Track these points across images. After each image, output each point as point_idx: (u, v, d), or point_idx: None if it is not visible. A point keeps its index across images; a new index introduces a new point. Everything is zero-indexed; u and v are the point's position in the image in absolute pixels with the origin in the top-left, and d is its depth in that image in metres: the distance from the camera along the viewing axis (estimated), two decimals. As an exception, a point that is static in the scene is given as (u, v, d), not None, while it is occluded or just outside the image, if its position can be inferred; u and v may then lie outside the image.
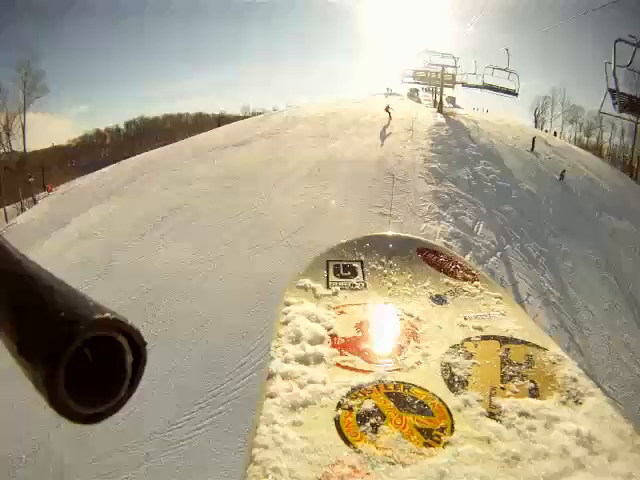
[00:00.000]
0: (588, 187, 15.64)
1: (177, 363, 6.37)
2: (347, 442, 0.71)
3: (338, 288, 1.28)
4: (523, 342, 0.99)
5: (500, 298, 1.23)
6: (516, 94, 22.66)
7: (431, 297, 1.26)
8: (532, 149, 17.75)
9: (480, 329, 1.06)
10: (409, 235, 1.58)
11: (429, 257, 1.41)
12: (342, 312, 1.16)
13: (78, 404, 0.31)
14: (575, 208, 13.53)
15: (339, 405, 0.80)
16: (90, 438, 5.36)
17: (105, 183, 16.90)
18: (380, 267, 1.38)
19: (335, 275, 1.34)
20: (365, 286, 1.32)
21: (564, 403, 0.80)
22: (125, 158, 21.83)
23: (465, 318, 1.12)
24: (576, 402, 0.80)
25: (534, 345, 0.97)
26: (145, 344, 0.33)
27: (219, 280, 8.14)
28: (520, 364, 0.91)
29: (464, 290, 1.28)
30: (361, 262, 1.40)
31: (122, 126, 42.84)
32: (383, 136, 16.35)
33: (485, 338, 1.02)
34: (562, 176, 15.08)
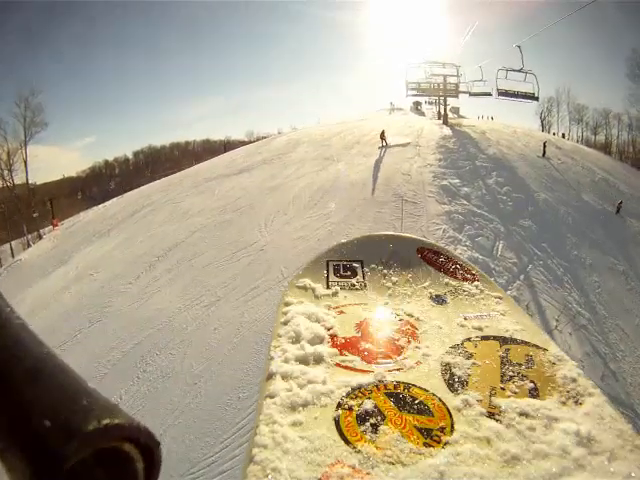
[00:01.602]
0: (605, 189, 15.27)
1: (169, 426, 5.83)
2: (347, 442, 0.71)
3: (338, 288, 1.29)
4: (523, 342, 0.99)
5: (500, 298, 1.24)
6: (536, 98, 20.83)
7: (431, 297, 1.26)
8: (543, 154, 17.43)
9: (480, 329, 1.06)
10: (409, 235, 1.58)
11: (429, 257, 1.42)
12: (342, 312, 1.17)
13: None
14: (593, 214, 13.09)
15: (339, 405, 0.80)
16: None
17: (107, 217, 16.97)
18: (380, 267, 1.39)
19: (335, 275, 1.35)
20: (365, 286, 1.32)
21: (564, 403, 0.80)
22: (132, 189, 22.08)
23: (465, 318, 1.12)
24: (576, 402, 0.80)
25: (534, 345, 0.97)
26: (158, 445, 0.28)
27: (214, 330, 7.58)
28: (520, 364, 0.91)
29: (464, 290, 1.28)
30: (361, 262, 1.40)
31: (130, 156, 43.93)
32: (389, 154, 15.93)
33: (485, 338, 1.02)
34: (619, 208, 13.86)
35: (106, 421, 0.23)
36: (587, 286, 9.53)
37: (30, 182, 33.06)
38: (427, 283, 1.32)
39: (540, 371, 0.89)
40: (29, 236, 24.12)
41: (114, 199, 21.95)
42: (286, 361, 0.93)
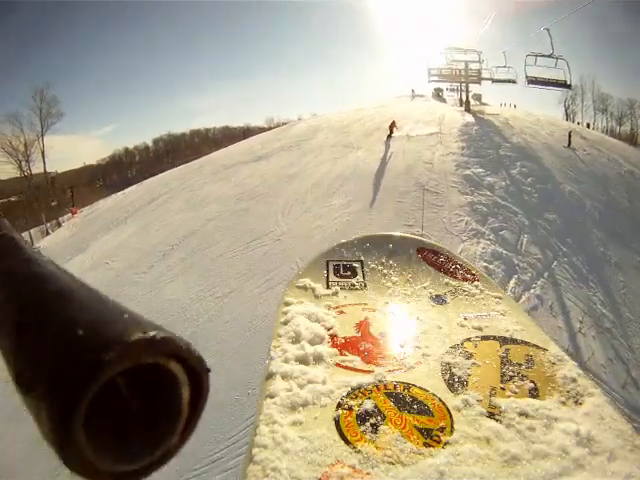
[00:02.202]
0: (631, 182, 14.59)
1: None
2: (347, 442, 0.71)
3: (338, 288, 1.29)
4: (523, 342, 0.99)
5: (500, 298, 1.23)
6: (569, 85, 19.35)
7: (431, 297, 1.26)
8: (569, 145, 16.77)
9: (480, 329, 1.06)
10: (409, 235, 1.59)
11: (429, 257, 1.42)
12: (342, 312, 1.17)
13: (105, 459, 0.21)
14: (620, 209, 12.47)
15: (339, 405, 0.80)
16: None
17: (125, 205, 16.84)
18: (380, 267, 1.39)
19: (335, 275, 1.35)
20: (365, 286, 1.32)
21: (564, 403, 0.80)
22: (152, 176, 21.92)
23: (465, 318, 1.12)
24: (576, 402, 0.79)
25: (534, 345, 0.97)
26: (208, 371, 0.26)
27: (225, 323, 7.35)
28: (520, 364, 0.91)
29: (464, 290, 1.28)
30: (361, 262, 1.41)
31: (150, 143, 44.32)
32: (410, 141, 15.46)
33: (485, 338, 1.02)
34: None
35: (152, 333, 0.21)
36: (612, 286, 9.03)
37: (51, 171, 33.64)
38: (427, 283, 1.32)
39: (540, 371, 0.88)
40: (48, 224, 24.52)
41: (133, 187, 21.78)
42: (286, 361, 0.93)
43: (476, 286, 1.29)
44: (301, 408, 0.80)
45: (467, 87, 22.65)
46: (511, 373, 0.88)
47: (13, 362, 0.22)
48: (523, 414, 0.77)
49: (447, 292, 1.28)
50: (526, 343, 0.98)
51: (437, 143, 15.20)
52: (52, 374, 0.20)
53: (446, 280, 1.33)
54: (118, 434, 0.22)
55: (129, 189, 21.36)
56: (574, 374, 0.86)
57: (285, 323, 1.09)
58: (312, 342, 1.00)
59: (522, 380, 0.86)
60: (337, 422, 0.76)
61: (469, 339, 1.02)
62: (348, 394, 0.83)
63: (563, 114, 33.58)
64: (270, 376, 0.88)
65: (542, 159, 14.94)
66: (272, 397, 0.82)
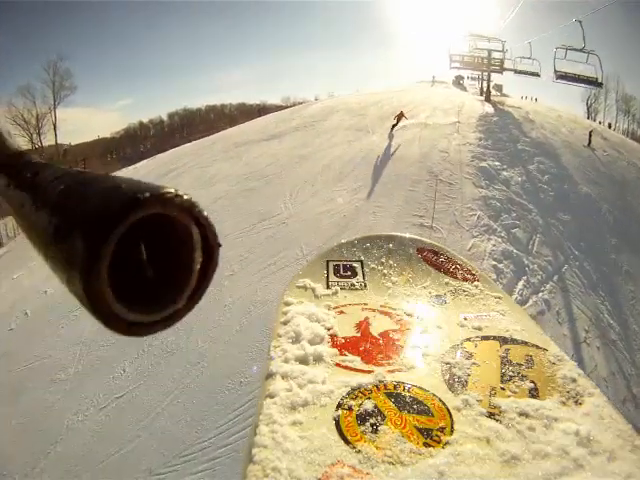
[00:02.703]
0: None
1: (167, 404, 5.64)
2: (347, 442, 0.72)
3: (338, 288, 1.29)
4: (523, 342, 0.99)
5: (500, 298, 1.24)
6: (600, 84, 18.49)
7: (431, 297, 1.26)
8: (589, 144, 16.28)
9: (480, 329, 1.06)
10: (409, 235, 1.59)
11: (429, 257, 1.42)
12: (342, 312, 1.17)
13: (119, 305, 0.24)
14: (636, 215, 12.07)
15: (339, 405, 0.81)
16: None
17: (136, 179, 16.81)
18: (380, 267, 1.39)
19: (335, 275, 1.35)
20: (365, 286, 1.32)
21: (564, 403, 0.80)
22: (166, 150, 21.51)
23: (465, 318, 1.12)
24: (576, 402, 0.80)
25: (534, 345, 0.98)
26: (219, 245, 0.27)
27: (224, 307, 7.17)
28: (520, 364, 0.91)
29: (464, 290, 1.28)
30: (361, 262, 1.41)
31: (165, 117, 44.16)
32: (427, 128, 14.91)
33: (485, 338, 1.02)
34: None
35: (168, 189, 0.23)
36: (621, 296, 8.79)
37: (64, 143, 33.68)
38: (427, 283, 1.33)
39: (540, 371, 0.89)
40: None
41: (145, 161, 21.48)
42: (286, 361, 0.93)
43: (476, 286, 1.29)
44: (301, 408, 0.80)
45: (489, 76, 22.04)
46: (511, 373, 0.88)
47: (53, 218, 0.25)
48: (523, 414, 0.77)
49: (447, 292, 1.28)
50: (526, 343, 0.99)
51: (454, 132, 14.71)
52: (91, 210, 0.23)
53: (446, 280, 1.33)
54: (133, 287, 0.25)
55: (141, 163, 21.14)
56: (574, 374, 0.87)
57: (285, 323, 1.09)
58: (312, 342, 1.00)
59: (522, 380, 0.86)
60: (337, 422, 0.76)
61: (469, 339, 1.02)
62: (348, 394, 0.83)
63: (585, 112, 32.78)
64: (270, 376, 0.88)
65: (561, 157, 14.54)
66: (272, 397, 0.83)
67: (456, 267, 1.38)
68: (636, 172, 15.40)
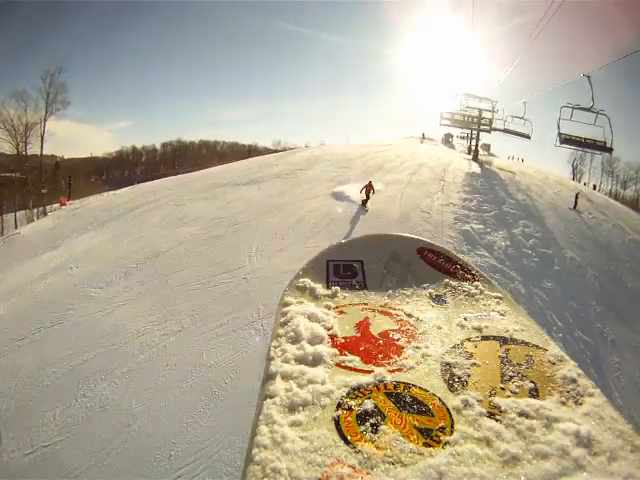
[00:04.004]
0: (635, 252, 14.08)
1: (89, 466, 5.25)
2: (347, 442, 0.71)
3: (338, 288, 1.29)
4: (523, 342, 0.99)
5: (500, 298, 1.24)
6: (610, 149, 17.91)
7: (431, 297, 1.27)
8: (575, 206, 16.40)
9: (480, 329, 1.07)
10: (409, 235, 1.58)
11: (429, 257, 1.43)
12: (342, 312, 1.17)
13: None
14: (622, 281, 12.03)
15: (339, 405, 0.80)
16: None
17: (111, 207, 16.46)
18: (380, 267, 1.40)
19: (335, 275, 1.36)
20: (365, 286, 1.33)
21: (564, 403, 0.80)
22: (154, 179, 21.88)
23: (465, 318, 1.12)
24: (576, 402, 0.80)
25: (534, 345, 0.98)
26: None
27: (165, 367, 6.74)
28: (520, 364, 0.91)
29: (464, 290, 1.28)
30: (361, 262, 1.41)
31: (158, 147, 44.74)
32: (410, 186, 14.84)
33: (485, 338, 1.03)
34: None
35: None
36: (606, 367, 8.77)
37: (58, 155, 34.02)
38: (427, 283, 1.33)
39: (540, 371, 0.89)
40: (35, 210, 24.16)
41: (126, 188, 21.51)
42: (286, 361, 0.93)
43: (476, 286, 1.30)
44: (301, 408, 0.80)
45: (477, 135, 22.89)
46: (511, 373, 0.88)
47: None
48: (523, 414, 0.77)
49: (447, 292, 1.28)
50: (526, 343, 0.99)
51: (438, 191, 14.82)
52: None
53: (446, 280, 1.33)
54: None
55: (121, 190, 21.19)
56: (574, 374, 0.86)
57: (285, 323, 1.09)
58: (312, 342, 1.00)
59: (522, 380, 0.86)
60: (337, 422, 0.76)
61: (469, 339, 1.02)
62: (348, 394, 0.83)
63: (570, 173, 33.97)
64: (270, 376, 0.88)
65: (546, 220, 14.62)
66: (272, 397, 0.82)
67: (456, 267, 1.38)
68: (621, 234, 15.51)
